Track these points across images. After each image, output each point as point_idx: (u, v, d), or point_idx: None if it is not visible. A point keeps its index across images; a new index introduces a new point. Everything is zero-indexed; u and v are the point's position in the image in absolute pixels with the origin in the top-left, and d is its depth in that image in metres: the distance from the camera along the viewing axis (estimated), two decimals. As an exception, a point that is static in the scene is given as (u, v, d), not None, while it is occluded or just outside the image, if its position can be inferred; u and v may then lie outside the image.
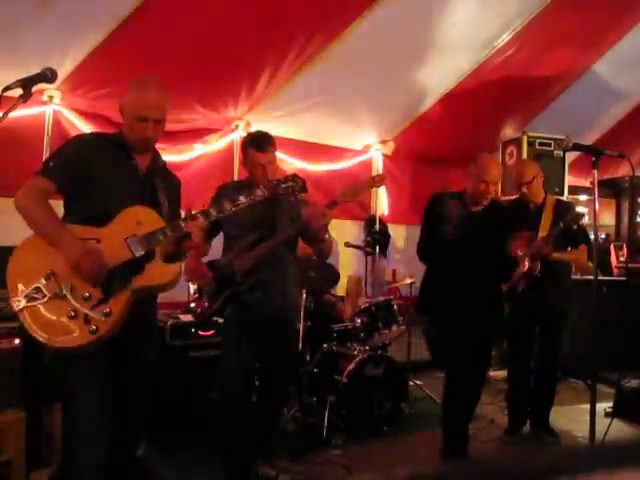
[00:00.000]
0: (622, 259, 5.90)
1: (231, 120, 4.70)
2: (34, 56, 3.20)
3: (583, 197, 6.26)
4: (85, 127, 3.94)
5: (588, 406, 2.87)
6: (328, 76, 4.45)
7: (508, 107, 5.51)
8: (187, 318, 3.68)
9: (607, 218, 6.51)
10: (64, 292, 1.94)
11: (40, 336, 1.93)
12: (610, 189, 6.43)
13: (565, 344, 3.73)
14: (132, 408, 2.24)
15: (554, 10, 4.44)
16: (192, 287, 3.91)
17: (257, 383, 3.09)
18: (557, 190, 5.19)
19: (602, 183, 5.92)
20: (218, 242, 2.92)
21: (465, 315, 2.97)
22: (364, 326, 4.16)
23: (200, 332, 3.65)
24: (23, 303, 1.92)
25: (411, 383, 4.47)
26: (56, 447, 2.91)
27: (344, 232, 5.36)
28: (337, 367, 3.86)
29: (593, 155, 2.80)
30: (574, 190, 6.00)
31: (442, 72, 4.87)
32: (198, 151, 4.63)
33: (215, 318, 3.02)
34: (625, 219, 6.41)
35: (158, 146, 2.36)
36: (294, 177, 2.41)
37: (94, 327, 1.94)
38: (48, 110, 3.88)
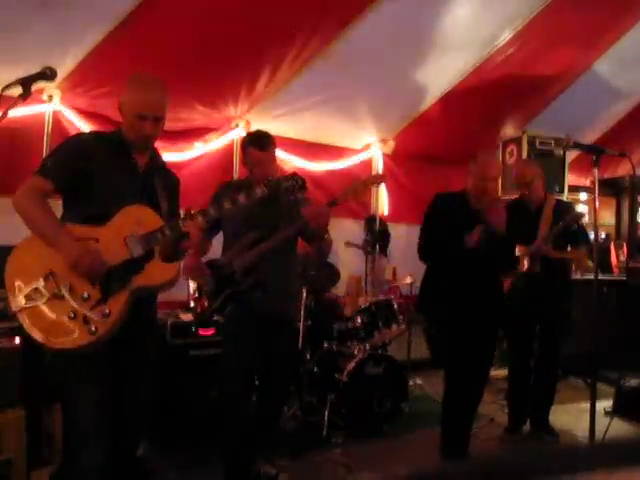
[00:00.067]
0: (622, 258, 5.91)
1: (231, 119, 4.70)
2: (34, 55, 3.20)
3: (583, 196, 6.27)
4: (85, 126, 3.94)
5: (588, 405, 2.87)
6: (328, 75, 4.45)
7: (508, 106, 5.51)
8: (187, 317, 3.68)
9: (607, 217, 6.52)
10: (63, 292, 1.94)
11: (39, 337, 1.92)
12: (610, 188, 6.43)
13: (565, 343, 3.73)
14: (132, 408, 2.23)
15: (554, 9, 4.44)
16: (192, 286, 3.91)
17: (257, 382, 3.09)
18: (557, 189, 5.19)
19: (602, 182, 5.92)
20: (218, 241, 2.92)
21: (465, 314, 2.97)
22: (364, 325, 4.16)
23: (200, 331, 3.65)
24: (22, 303, 1.92)
25: (411, 382, 4.48)
26: (56, 446, 2.92)
27: (344, 231, 5.36)
28: (337, 366, 3.87)
29: (593, 154, 2.81)
30: (574, 189, 6.01)
31: (442, 71, 4.87)
32: (198, 150, 4.62)
33: (215, 317, 3.02)
34: (625, 218, 6.41)
35: (158, 145, 2.36)
36: (294, 176, 2.40)
37: (93, 328, 1.94)
38: (48, 109, 3.88)
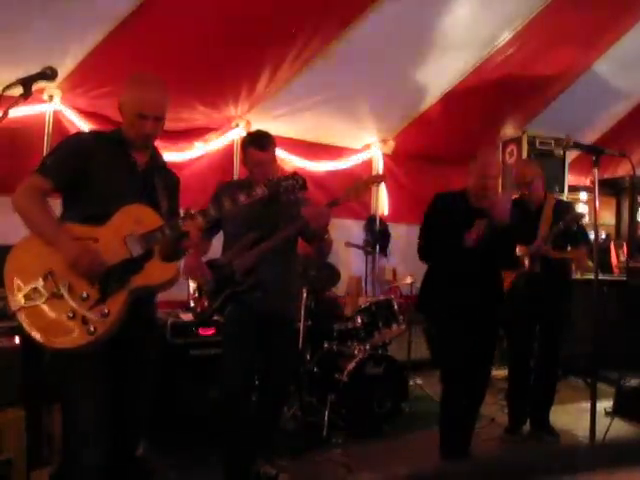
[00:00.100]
0: (622, 258, 5.91)
1: (231, 119, 4.70)
2: (34, 55, 3.20)
3: (583, 196, 6.27)
4: (85, 126, 3.94)
5: (588, 405, 2.87)
6: (328, 75, 4.45)
7: (508, 106, 5.51)
8: (187, 317, 3.68)
9: (607, 217, 6.52)
10: (62, 292, 1.93)
11: (38, 337, 1.92)
12: (610, 188, 6.43)
13: (565, 343, 3.73)
14: (132, 407, 2.22)
15: (554, 9, 4.45)
16: (192, 286, 3.90)
17: (257, 382, 3.09)
18: (557, 189, 5.19)
19: (602, 182, 5.92)
20: (218, 241, 2.92)
21: (465, 313, 2.97)
22: (364, 325, 4.16)
23: (200, 331, 3.65)
24: (21, 303, 1.92)
25: (411, 382, 4.47)
26: (56, 446, 2.91)
27: (344, 231, 5.36)
28: (337, 366, 3.87)
29: (593, 154, 2.81)
30: (574, 189, 6.01)
31: (442, 71, 4.87)
32: (198, 150, 4.63)
33: (215, 317, 3.02)
34: (625, 218, 6.41)
35: (159, 145, 2.35)
36: (294, 175, 2.39)
37: (92, 328, 1.93)
38: (48, 109, 3.88)
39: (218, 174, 4.51)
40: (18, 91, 1.88)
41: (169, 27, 3.62)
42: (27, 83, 1.90)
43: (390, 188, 5.76)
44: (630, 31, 4.97)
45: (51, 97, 3.84)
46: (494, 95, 5.13)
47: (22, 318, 1.92)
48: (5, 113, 1.86)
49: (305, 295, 3.82)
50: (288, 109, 4.70)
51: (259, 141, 2.77)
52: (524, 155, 5.21)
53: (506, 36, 4.65)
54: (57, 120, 3.93)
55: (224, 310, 2.77)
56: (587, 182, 6.22)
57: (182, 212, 2.20)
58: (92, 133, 2.45)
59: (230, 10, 3.66)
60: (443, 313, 3.07)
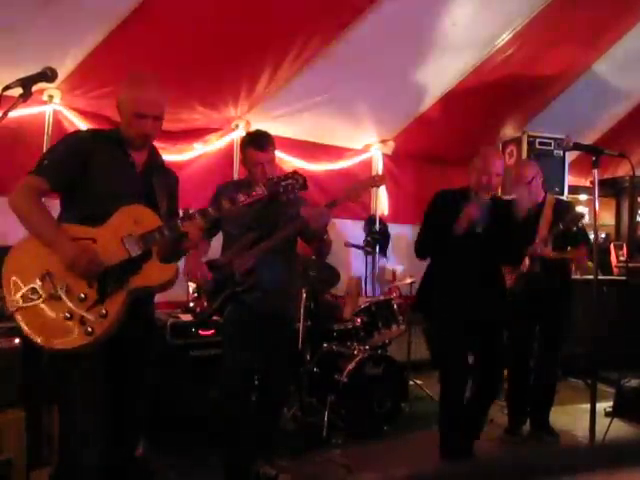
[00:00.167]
0: (622, 259, 5.90)
1: (231, 120, 4.70)
2: (34, 56, 3.20)
3: (583, 197, 6.27)
4: (85, 126, 3.93)
5: (588, 406, 2.87)
6: (328, 76, 4.45)
7: (508, 106, 5.51)
8: (187, 317, 3.68)
9: (607, 218, 6.51)
10: (59, 293, 1.93)
11: (36, 338, 1.91)
12: (610, 189, 6.43)
13: (565, 343, 3.73)
14: (131, 408, 2.22)
15: (554, 9, 4.45)
16: (191, 286, 3.91)
17: (257, 382, 3.09)
18: (557, 190, 5.19)
19: (602, 183, 5.91)
20: (218, 242, 2.92)
21: (465, 313, 2.97)
22: (364, 325, 4.16)
23: (200, 331, 3.65)
24: (19, 303, 1.91)
25: (411, 382, 4.47)
26: (56, 446, 2.91)
27: (344, 232, 5.36)
28: (337, 366, 3.86)
29: (593, 155, 2.81)
30: (574, 190, 6.00)
31: (442, 71, 4.87)
32: (198, 151, 4.63)
33: (215, 317, 3.02)
34: (625, 219, 6.41)
35: (158, 145, 2.35)
36: (294, 174, 2.37)
37: (90, 329, 1.92)
38: (48, 109, 3.88)
39: (218, 175, 4.51)
40: (18, 91, 1.88)
41: (169, 27, 3.62)
42: (27, 84, 1.89)
43: (390, 188, 5.76)
44: (630, 31, 4.97)
45: (51, 97, 3.84)
46: (494, 95, 5.13)
47: (20, 319, 1.92)
48: (5, 114, 1.85)
49: (305, 295, 3.82)
50: (288, 110, 4.70)
51: (258, 141, 2.77)
52: (524, 155, 5.21)
53: (506, 36, 4.65)
54: (57, 120, 3.93)
55: (224, 310, 2.77)
56: (587, 182, 6.22)
57: (181, 212, 2.20)
58: (90, 132, 2.43)
59: (230, 10, 3.66)
60: (441, 312, 3.06)
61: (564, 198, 5.10)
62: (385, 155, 5.72)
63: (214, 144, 4.72)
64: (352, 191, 2.64)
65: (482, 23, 4.47)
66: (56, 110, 3.92)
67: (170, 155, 4.24)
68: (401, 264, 5.78)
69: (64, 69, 3.60)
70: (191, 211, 2.13)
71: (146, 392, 2.32)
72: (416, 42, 4.51)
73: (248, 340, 2.78)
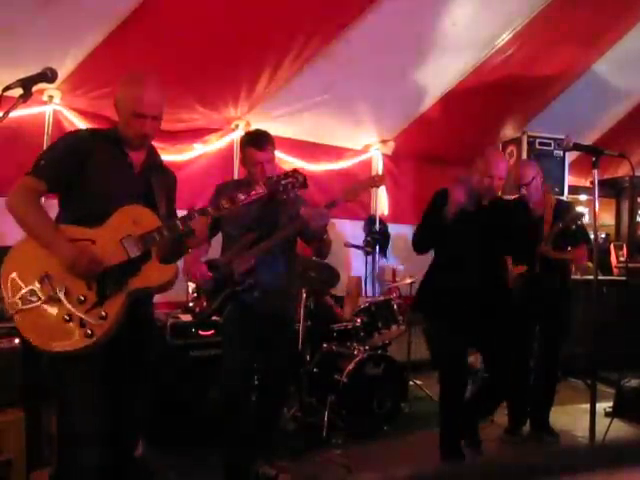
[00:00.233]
0: (622, 259, 5.90)
1: (231, 120, 4.70)
2: (34, 56, 3.20)
3: (583, 197, 6.27)
4: (85, 127, 3.93)
5: (588, 406, 2.87)
6: (328, 76, 4.45)
7: (508, 107, 5.52)
8: (187, 317, 3.68)
9: (607, 218, 6.51)
10: (58, 295, 1.91)
11: (35, 340, 1.90)
12: (610, 189, 6.43)
13: (565, 344, 3.73)
14: (130, 408, 2.22)
15: (554, 9, 4.45)
16: (191, 287, 3.91)
17: (257, 382, 3.09)
18: (557, 190, 5.19)
19: (602, 183, 5.91)
20: (217, 242, 2.91)
21: (465, 313, 2.96)
22: (364, 326, 4.16)
23: (200, 331, 3.65)
24: (18, 306, 1.90)
25: (411, 383, 4.47)
26: (56, 447, 2.91)
27: (344, 232, 5.37)
28: (337, 367, 3.86)
29: (593, 155, 2.81)
30: (574, 190, 6.00)
31: (442, 72, 4.87)
32: (198, 151, 4.63)
33: (215, 317, 3.02)
34: (625, 219, 6.41)
35: (158, 145, 2.34)
36: (294, 172, 2.35)
37: (90, 331, 1.91)
38: (48, 110, 3.89)
39: (218, 175, 4.51)
40: (18, 92, 1.88)
41: (169, 28, 3.62)
42: (27, 84, 1.89)
43: (390, 189, 5.76)
44: (630, 31, 4.97)
45: (51, 98, 3.84)
46: (494, 95, 5.13)
47: (19, 321, 1.91)
48: (5, 114, 1.84)
49: (305, 296, 3.82)
50: (288, 110, 4.70)
51: (257, 140, 2.77)
52: (524, 156, 5.21)
53: (506, 36, 4.66)
54: (57, 121, 3.93)
55: (223, 310, 2.77)
56: (587, 183, 6.21)
57: (186, 212, 2.17)
58: (89, 131, 2.40)
59: (230, 10, 3.66)
60: (441, 312, 3.06)
61: (564, 198, 5.10)
62: (385, 155, 5.73)
63: (214, 144, 4.72)
64: (351, 191, 2.64)
65: (482, 23, 4.47)
66: (56, 110, 3.92)
67: (170, 155, 4.24)
68: (401, 264, 5.78)
69: (64, 69, 3.60)
70: (191, 210, 2.11)
71: (145, 392, 2.31)
72: (416, 42, 4.51)
73: (248, 340, 2.78)
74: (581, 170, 6.00)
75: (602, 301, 3.05)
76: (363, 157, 5.65)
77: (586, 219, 5.21)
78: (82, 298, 1.94)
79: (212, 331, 3.63)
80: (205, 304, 2.78)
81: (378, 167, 5.68)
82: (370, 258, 5.56)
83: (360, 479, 2.27)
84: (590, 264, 3.83)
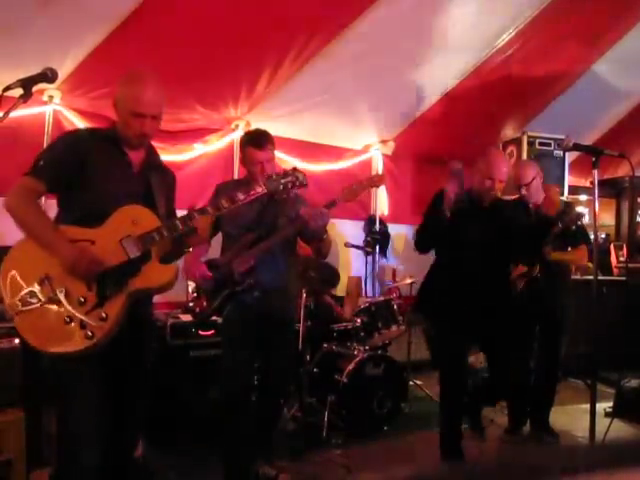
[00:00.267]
0: (622, 259, 5.90)
1: (231, 120, 4.70)
2: (34, 56, 3.19)
3: (583, 197, 6.26)
4: (85, 127, 3.94)
5: (588, 406, 2.87)
6: (328, 76, 4.45)
7: (508, 107, 5.52)
8: (187, 318, 3.68)
9: (607, 218, 6.51)
10: (58, 296, 1.90)
11: (34, 342, 1.89)
12: (610, 189, 6.43)
13: (565, 344, 3.73)
14: (129, 408, 2.21)
15: (554, 10, 4.45)
16: (190, 286, 3.91)
17: (257, 382, 3.09)
18: (557, 190, 5.18)
19: (602, 183, 5.91)
20: (217, 242, 2.91)
21: (467, 314, 2.96)
22: (364, 326, 4.16)
23: (200, 332, 3.65)
24: (18, 307, 1.88)
25: (411, 383, 4.47)
26: (56, 447, 2.91)
27: (344, 232, 5.37)
28: (337, 367, 3.87)
29: (593, 155, 2.80)
30: (574, 190, 6.00)
31: (442, 72, 4.87)
32: (198, 151, 4.63)
33: (214, 317, 3.02)
34: (625, 219, 6.41)
35: (158, 145, 2.34)
36: (294, 171, 2.33)
37: (90, 333, 1.90)
38: (48, 110, 3.89)
39: (218, 175, 4.52)
40: (18, 92, 1.87)
41: (169, 28, 3.62)
42: (27, 84, 1.88)
43: (390, 189, 5.76)
44: (630, 31, 4.97)
45: (51, 98, 3.84)
46: (494, 95, 5.13)
47: (19, 323, 1.89)
48: (5, 114, 1.84)
49: (304, 296, 3.82)
50: (288, 109, 4.70)
51: (257, 140, 2.77)
52: (524, 156, 5.21)
53: (506, 36, 4.66)
54: (57, 121, 3.93)
55: (223, 310, 2.77)
56: (587, 183, 6.21)
57: (186, 212, 2.16)
58: (88, 130, 2.39)
59: (230, 10, 3.66)
60: (442, 312, 3.06)
61: (564, 198, 5.10)
62: (385, 155, 5.73)
63: (214, 144, 4.72)
64: (351, 191, 2.63)
65: (482, 23, 4.47)
66: (56, 110, 3.92)
67: (170, 155, 4.24)
68: (401, 264, 5.79)
69: (64, 69, 3.60)
70: (190, 210, 2.10)
71: (145, 392, 2.31)
72: (416, 42, 4.51)
73: (248, 340, 2.78)
74: (581, 170, 6.00)
75: (602, 301, 3.04)
76: (363, 157, 5.65)
77: (586, 219, 5.21)
78: (82, 299, 1.92)
79: (212, 331, 3.64)
80: (205, 304, 2.78)
81: (378, 167, 5.68)
82: (370, 258, 5.56)
83: (360, 479, 2.27)
84: (590, 264, 3.82)
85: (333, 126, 5.17)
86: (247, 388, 2.86)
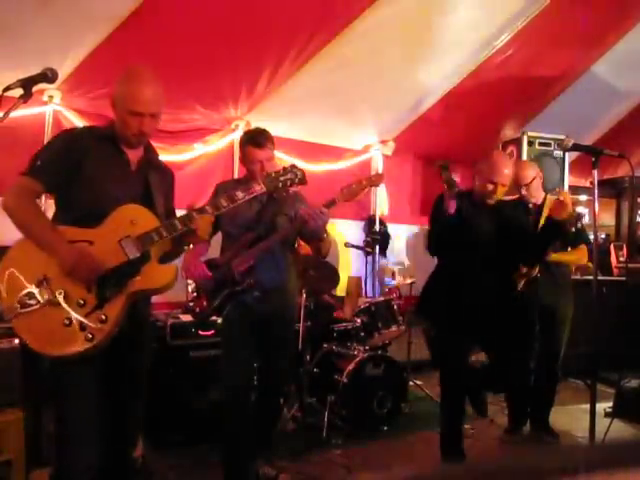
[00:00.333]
0: (622, 259, 5.90)
1: (231, 120, 4.70)
2: (34, 56, 3.20)
3: (583, 197, 6.26)
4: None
5: (588, 406, 2.87)
6: (328, 76, 4.45)
7: (508, 107, 5.52)
8: (187, 318, 3.68)
9: (607, 218, 6.51)
10: (58, 299, 1.88)
11: (33, 344, 1.87)
12: (610, 189, 6.42)
13: (565, 344, 3.73)
14: (127, 408, 2.19)
15: (554, 10, 4.45)
16: (190, 286, 3.91)
17: (257, 382, 3.08)
18: (557, 190, 5.18)
19: (602, 183, 5.90)
20: (217, 242, 2.91)
21: (468, 315, 2.95)
22: (364, 326, 4.16)
23: (200, 332, 3.65)
24: (17, 309, 1.87)
25: (411, 383, 4.47)
26: (54, 447, 2.91)
27: (344, 232, 5.37)
28: (337, 367, 3.87)
29: (593, 155, 2.80)
30: (574, 190, 5.99)
31: (442, 72, 4.88)
32: (198, 151, 4.63)
33: (214, 317, 3.02)
34: (625, 219, 6.40)
35: (157, 145, 2.32)
36: (293, 168, 2.31)
37: (90, 335, 1.88)
38: (48, 110, 3.89)
39: (218, 175, 4.52)
40: (18, 92, 1.87)
41: (169, 28, 3.63)
42: (27, 84, 1.88)
43: (390, 189, 5.77)
44: (630, 31, 4.97)
45: (51, 98, 3.85)
46: (494, 96, 5.13)
47: (17, 325, 1.88)
48: (5, 114, 1.83)
49: (304, 296, 3.82)
50: (288, 110, 4.70)
51: (256, 138, 2.77)
52: (524, 156, 5.21)
53: (506, 36, 4.66)
54: (57, 121, 3.94)
55: (223, 310, 2.76)
56: (587, 183, 6.21)
57: (185, 210, 2.15)
58: (86, 128, 2.37)
59: (230, 10, 3.66)
60: (443, 312, 3.05)
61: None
62: (385, 155, 5.73)
63: (214, 144, 4.73)
64: (350, 190, 2.62)
65: (482, 23, 4.48)
66: (56, 110, 3.92)
67: (170, 155, 4.24)
68: (401, 264, 5.79)
69: (64, 70, 3.60)
70: (189, 210, 2.08)
71: (144, 392, 2.30)
72: (416, 42, 4.51)
73: (247, 340, 2.78)
74: (581, 170, 6.00)
75: (602, 301, 3.04)
76: (363, 157, 5.65)
77: (586, 219, 5.21)
78: (82, 302, 1.90)
79: (212, 331, 3.63)
80: (205, 304, 2.77)
81: (378, 167, 5.68)
82: (370, 258, 5.56)
83: (360, 479, 2.27)
84: (590, 264, 3.82)
85: (333, 126, 5.17)
86: (247, 388, 2.86)
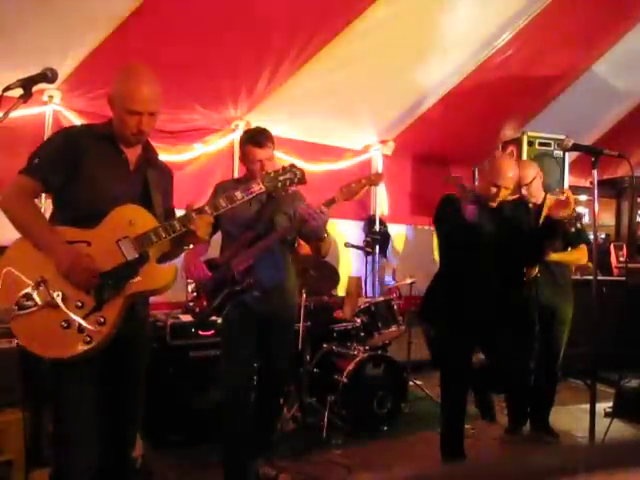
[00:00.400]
0: (622, 259, 5.90)
1: (231, 120, 4.69)
2: (34, 56, 3.20)
3: (583, 197, 6.26)
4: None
5: (588, 406, 2.87)
6: (328, 76, 4.45)
7: (508, 107, 5.52)
8: (187, 318, 3.68)
9: (607, 218, 6.51)
10: (56, 300, 1.86)
11: (31, 346, 1.86)
12: (610, 189, 6.42)
13: (565, 344, 3.73)
14: (126, 408, 2.18)
15: (554, 10, 4.45)
16: (190, 286, 3.90)
17: (256, 382, 3.08)
18: (557, 190, 5.18)
19: (602, 183, 5.90)
20: (217, 242, 2.91)
21: (470, 317, 2.95)
22: (364, 326, 4.16)
23: (200, 332, 3.64)
24: (15, 311, 1.85)
25: (411, 383, 4.47)
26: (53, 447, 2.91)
27: (344, 232, 5.37)
28: (337, 367, 3.87)
29: (593, 155, 2.80)
30: (574, 190, 5.96)
31: (442, 72, 4.88)
32: (198, 151, 4.63)
33: (214, 317, 3.01)
34: (625, 219, 6.40)
35: (157, 145, 2.31)
36: (292, 167, 2.30)
37: (88, 337, 1.86)
38: (48, 110, 3.89)
39: (218, 175, 4.52)
40: (18, 92, 1.86)
41: (168, 28, 3.63)
42: (27, 84, 1.87)
43: (390, 189, 5.77)
44: (630, 31, 4.97)
45: (51, 98, 3.85)
46: (494, 96, 5.13)
47: (15, 327, 1.86)
48: (5, 114, 1.82)
49: (304, 296, 3.82)
50: (288, 110, 4.70)
51: (256, 138, 2.77)
52: (524, 156, 5.21)
53: (506, 36, 4.66)
54: (57, 121, 3.93)
55: (223, 310, 2.76)
56: (587, 183, 6.21)
57: (185, 210, 2.14)
58: (84, 127, 2.33)
59: (230, 10, 3.66)
60: (444, 313, 3.05)
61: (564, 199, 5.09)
62: (385, 155, 5.73)
63: (214, 144, 4.72)
64: (350, 190, 2.62)
65: (482, 23, 4.48)
66: (56, 110, 3.92)
67: (170, 155, 4.24)
68: (401, 264, 5.79)
69: (64, 70, 3.60)
70: (189, 210, 2.07)
71: (142, 392, 2.29)
72: (416, 42, 4.51)
73: (247, 340, 2.78)
74: (582, 170, 6.00)
75: (602, 301, 3.04)
76: (363, 157, 5.65)
77: (586, 219, 5.21)
78: (80, 303, 1.88)
79: (212, 331, 3.63)
80: (205, 304, 2.77)
81: (378, 167, 5.68)
82: (370, 258, 5.56)
83: (360, 479, 2.27)
84: (590, 264, 3.82)
85: (333, 126, 5.17)
86: (247, 388, 2.86)
